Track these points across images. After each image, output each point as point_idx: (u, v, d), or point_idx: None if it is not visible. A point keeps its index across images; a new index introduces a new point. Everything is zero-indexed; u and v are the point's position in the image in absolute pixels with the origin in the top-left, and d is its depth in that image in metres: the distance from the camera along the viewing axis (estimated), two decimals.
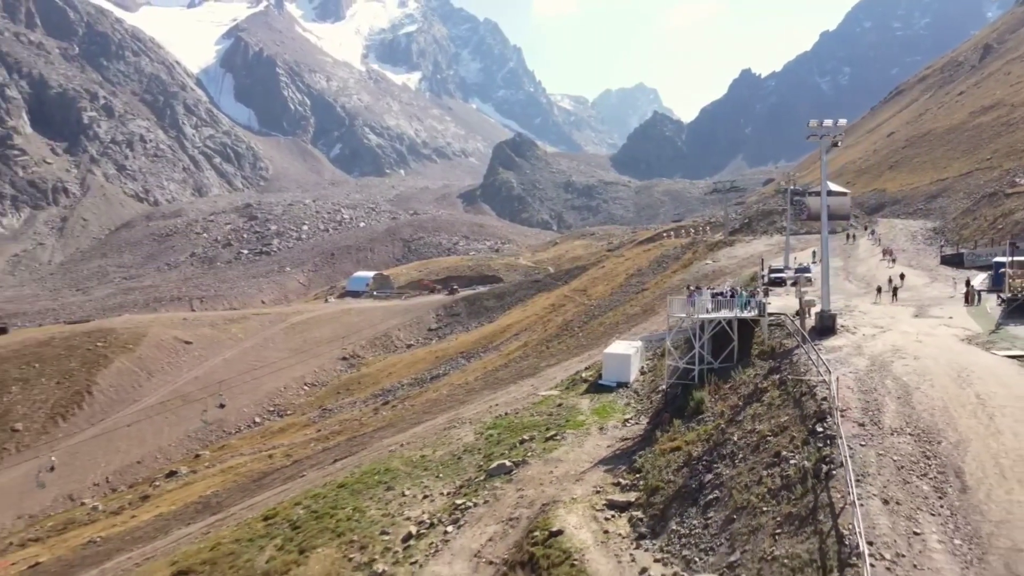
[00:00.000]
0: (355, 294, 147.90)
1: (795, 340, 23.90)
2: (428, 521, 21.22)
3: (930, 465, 15.03)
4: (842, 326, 26.29)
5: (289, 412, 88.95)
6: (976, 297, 30.86)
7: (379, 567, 18.96)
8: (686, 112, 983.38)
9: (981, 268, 40.50)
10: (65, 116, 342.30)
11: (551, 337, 69.40)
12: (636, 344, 35.60)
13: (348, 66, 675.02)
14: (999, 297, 29.34)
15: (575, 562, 15.02)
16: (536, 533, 17.16)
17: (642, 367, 34.00)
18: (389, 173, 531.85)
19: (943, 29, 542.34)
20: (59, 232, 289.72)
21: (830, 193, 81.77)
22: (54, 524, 52.95)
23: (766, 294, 35.83)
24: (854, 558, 12.10)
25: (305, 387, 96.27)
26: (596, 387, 33.64)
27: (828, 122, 28.35)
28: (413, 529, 20.97)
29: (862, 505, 13.53)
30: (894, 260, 48.71)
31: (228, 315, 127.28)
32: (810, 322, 25.99)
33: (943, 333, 24.96)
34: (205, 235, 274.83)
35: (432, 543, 19.65)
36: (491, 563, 17.52)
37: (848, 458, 14.62)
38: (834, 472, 14.60)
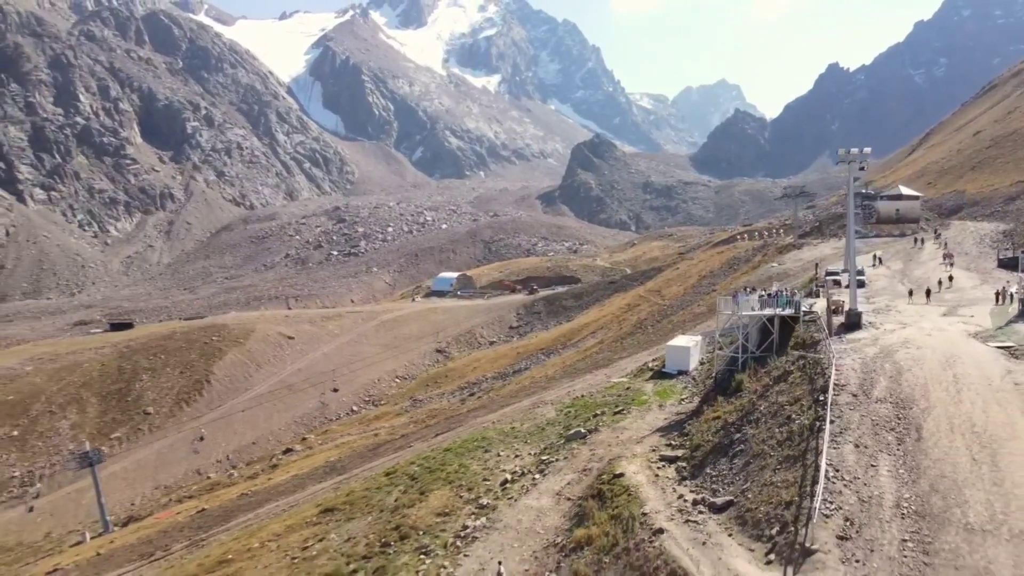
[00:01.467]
0: (440, 294, 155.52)
1: (823, 334, 28.33)
2: (519, 471, 26.79)
3: (899, 423, 19.48)
4: (869, 322, 30.44)
5: (383, 402, 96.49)
6: (1008, 298, 34.05)
7: (484, 501, 24.59)
8: (770, 109, 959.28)
9: None
10: (171, 126, 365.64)
11: (626, 335, 74.09)
12: (696, 338, 40.25)
13: (430, 71, 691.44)
14: None
15: (631, 493, 20.16)
16: (603, 476, 22.41)
17: (701, 359, 38.63)
18: (469, 175, 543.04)
19: None
20: (166, 235, 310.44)
21: (901, 197, 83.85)
22: (202, 486, 61.55)
23: (818, 295, 39.92)
24: (823, 481, 17.02)
25: (397, 379, 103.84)
26: (660, 375, 38.60)
27: (855, 150, 32.47)
28: (508, 476, 26.55)
29: (837, 448, 18.28)
30: (952, 263, 51.11)
31: (324, 313, 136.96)
32: (840, 319, 30.29)
33: (955, 329, 28.75)
34: (297, 237, 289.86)
35: (523, 486, 25.19)
36: (569, 499, 22.85)
37: (829, 417, 19.43)
38: (823, 427, 19.33)
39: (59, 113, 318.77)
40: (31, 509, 70.72)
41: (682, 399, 31.51)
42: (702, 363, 37.56)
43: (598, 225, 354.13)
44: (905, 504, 15.68)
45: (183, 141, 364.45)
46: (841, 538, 15.04)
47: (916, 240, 68.13)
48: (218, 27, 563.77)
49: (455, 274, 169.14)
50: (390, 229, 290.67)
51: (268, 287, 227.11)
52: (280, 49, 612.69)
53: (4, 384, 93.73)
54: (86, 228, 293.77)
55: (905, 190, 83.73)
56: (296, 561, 24.19)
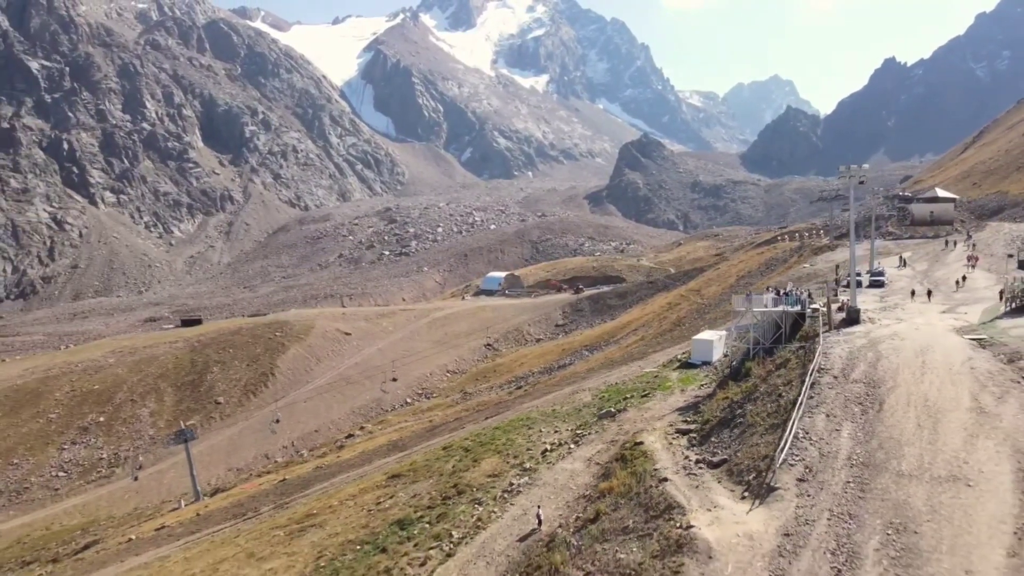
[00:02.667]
0: (489, 292, 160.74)
1: (824, 328, 32.16)
2: (557, 443, 31.25)
3: (867, 399, 23.27)
4: (868, 318, 34.05)
5: (434, 395, 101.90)
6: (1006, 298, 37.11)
7: (527, 465, 29.12)
8: (825, 104, 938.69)
9: None
10: (230, 131, 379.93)
11: (665, 331, 77.91)
12: (721, 333, 44.11)
13: (478, 72, 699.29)
14: None
15: (647, 456, 24.39)
16: (627, 444, 26.68)
17: (724, 351, 42.55)
18: (517, 175, 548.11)
19: None
20: (226, 236, 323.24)
21: (937, 200, 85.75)
22: (277, 464, 67.72)
23: (836, 294, 43.45)
24: (791, 439, 21.08)
25: (448, 374, 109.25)
26: (686, 365, 42.61)
27: (855, 166, 36.14)
28: (548, 447, 31.03)
29: (811, 417, 22.29)
30: (974, 265, 53.59)
31: (378, 310, 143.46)
32: (842, 315, 33.96)
33: (944, 324, 32.13)
34: (351, 238, 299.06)
35: (560, 453, 29.67)
36: (597, 463, 27.16)
37: (808, 393, 23.49)
38: (802, 402, 23.31)
39: (127, 120, 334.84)
40: (136, 478, 79.21)
41: (701, 385, 35.59)
42: (725, 355, 41.50)
43: (645, 225, 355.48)
44: (855, 457, 19.66)
45: (241, 145, 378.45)
46: (800, 480, 19.15)
47: (947, 242, 70.32)
48: (274, 33, 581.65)
49: (503, 273, 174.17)
50: (440, 229, 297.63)
51: (323, 286, 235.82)
52: (333, 53, 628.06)
53: (91, 375, 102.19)
54: (152, 229, 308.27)
55: (941, 192, 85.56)
56: (372, 512, 29.10)
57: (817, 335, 30.24)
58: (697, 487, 20.78)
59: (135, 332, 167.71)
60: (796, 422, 21.61)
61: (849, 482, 18.41)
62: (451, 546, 22.84)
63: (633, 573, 16.53)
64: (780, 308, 34.19)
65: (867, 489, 17.88)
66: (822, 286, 48.17)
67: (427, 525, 25.35)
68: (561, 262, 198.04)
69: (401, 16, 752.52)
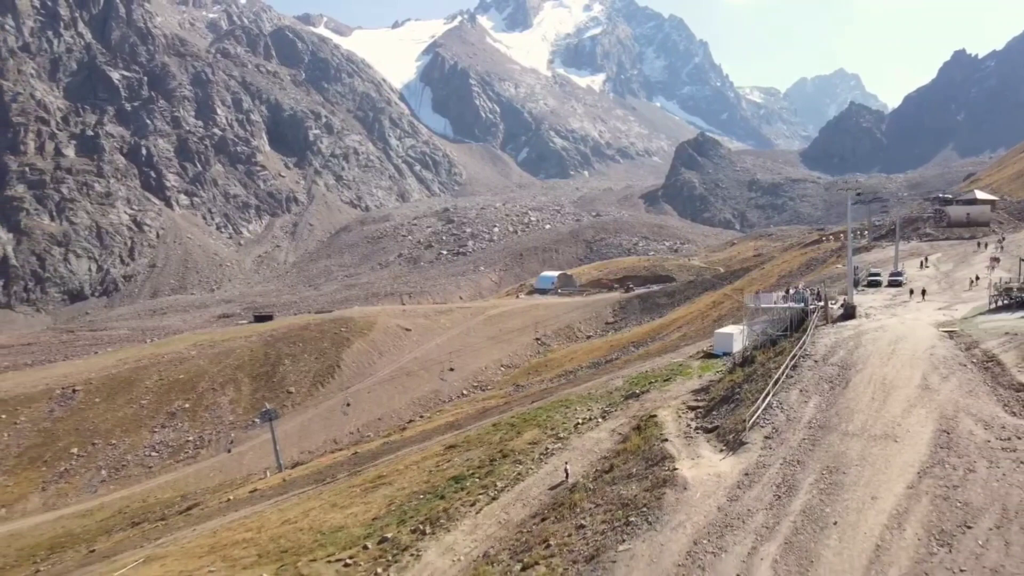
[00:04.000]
0: (542, 291, 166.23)
1: (822, 322, 36.62)
2: (588, 419, 36.48)
3: (837, 378, 27.76)
4: (864, 313, 38.29)
5: (489, 387, 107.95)
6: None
7: (561, 435, 34.48)
8: (893, 99, 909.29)
9: None
10: (295, 135, 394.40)
11: (706, 328, 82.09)
12: (741, 327, 48.62)
13: (535, 72, 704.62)
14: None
15: (658, 425, 29.39)
16: (644, 417, 31.88)
17: (744, 344, 47.05)
18: (573, 175, 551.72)
19: None
20: (291, 236, 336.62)
21: (975, 202, 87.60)
22: (348, 443, 74.83)
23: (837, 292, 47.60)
24: (764, 407, 25.98)
25: (502, 368, 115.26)
26: (709, 356, 47.41)
27: (855, 177, 40.17)
28: (580, 421, 36.28)
29: (787, 392, 27.06)
30: (994, 267, 56.33)
31: (437, 308, 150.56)
32: (840, 310, 38.25)
33: (929, 319, 36.07)
34: (410, 237, 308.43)
35: (589, 426, 34.92)
36: (619, 433, 32.27)
37: (787, 373, 28.29)
38: (781, 379, 28.04)
39: (199, 125, 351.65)
40: (229, 451, 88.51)
41: (717, 371, 40.28)
42: (744, 347, 46.10)
43: (702, 224, 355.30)
44: (814, 422, 24.37)
45: (306, 148, 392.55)
46: (766, 438, 23.99)
47: (979, 244, 72.62)
48: (336, 38, 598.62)
49: (556, 273, 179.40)
50: (496, 229, 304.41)
51: (384, 284, 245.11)
52: (393, 57, 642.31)
53: (176, 365, 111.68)
54: (222, 230, 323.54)
55: (980, 194, 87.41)
56: (432, 472, 34.91)
57: (815, 327, 34.80)
58: (689, 445, 25.84)
59: (210, 327, 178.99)
60: (771, 395, 26.50)
61: (804, 439, 23.21)
62: (496, 493, 28.41)
63: (629, 502, 21.74)
64: (784, 305, 38.72)
65: (817, 444, 22.67)
66: (835, 285, 52.09)
67: (477, 480, 30.97)
68: (614, 261, 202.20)
69: (459, 19, 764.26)
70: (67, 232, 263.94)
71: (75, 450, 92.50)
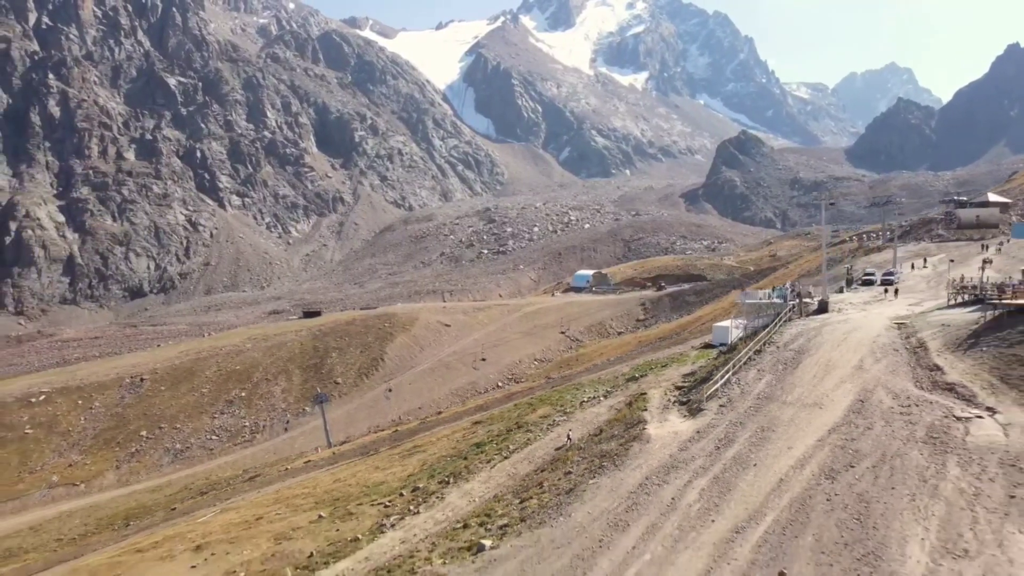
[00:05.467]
0: (577, 289, 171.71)
1: (796, 315, 41.73)
2: (592, 398, 42.22)
3: (791, 361, 32.93)
4: (836, 308, 43.23)
5: (522, 380, 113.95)
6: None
7: (567, 410, 40.34)
8: (948, 93, 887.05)
9: None
10: (341, 136, 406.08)
11: None
12: (739, 321, 53.75)
13: (577, 71, 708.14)
14: None
15: (646, 399, 35.02)
16: (636, 395, 37.64)
17: (740, 336, 52.22)
18: (615, 173, 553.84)
19: None
20: (337, 235, 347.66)
21: (987, 204, 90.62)
22: (389, 425, 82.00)
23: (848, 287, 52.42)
24: (721, 381, 31.49)
25: (535, 362, 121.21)
26: (708, 346, 52.77)
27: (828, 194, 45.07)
28: (584, 399, 42.10)
29: (747, 372, 32.44)
30: (983, 269, 59.92)
31: (475, 305, 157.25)
32: (815, 305, 43.23)
33: (890, 313, 40.84)
34: (452, 237, 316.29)
35: (592, 403, 40.72)
36: (615, 408, 38.00)
37: (749, 356, 33.72)
38: (742, 361, 33.40)
39: (251, 129, 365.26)
40: (286, 429, 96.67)
41: (708, 359, 45.78)
42: (740, 338, 51.37)
43: (742, 223, 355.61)
44: (762, 394, 29.73)
45: (351, 149, 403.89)
46: (721, 406, 29.46)
47: (983, 245, 76.01)
48: (382, 41, 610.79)
49: (591, 271, 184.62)
50: (536, 229, 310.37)
51: (426, 282, 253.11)
52: (436, 58, 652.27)
53: (233, 357, 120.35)
54: (272, 229, 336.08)
55: (993, 197, 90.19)
56: (459, 442, 41.13)
57: (789, 320, 40.00)
58: (662, 413, 31.49)
59: (262, 323, 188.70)
60: (732, 374, 31.97)
61: (750, 407, 28.62)
62: (508, 454, 34.38)
63: (606, 454, 27.44)
64: (767, 301, 43.93)
65: (759, 411, 28.07)
66: (835, 284, 56.85)
67: (494, 445, 36.98)
68: (649, 261, 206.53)
69: (501, 19, 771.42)
70: (128, 232, 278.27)
71: (144, 433, 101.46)
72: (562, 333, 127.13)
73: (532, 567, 20.01)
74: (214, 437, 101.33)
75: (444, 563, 21.91)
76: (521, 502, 26.25)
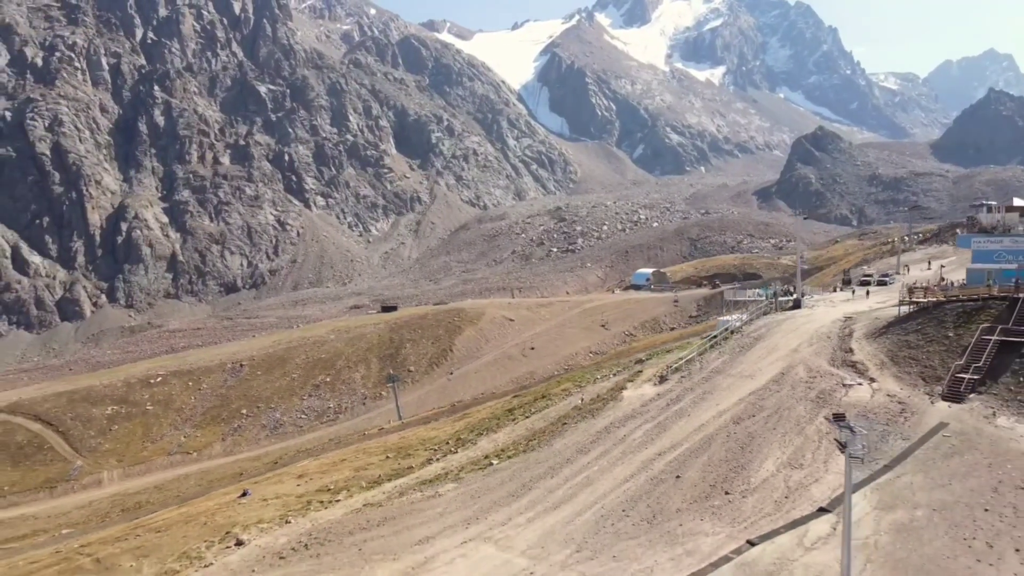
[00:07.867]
0: (636, 287, 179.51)
1: (771, 309, 50.19)
2: (605, 376, 52.04)
3: (746, 345, 41.60)
4: (809, 305, 51.30)
5: (576, 370, 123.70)
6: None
7: (582, 384, 50.39)
8: None
9: None
10: (419, 138, 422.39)
11: None
12: (740, 315, 62.00)
13: (652, 68, 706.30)
14: None
15: (640, 375, 44.75)
16: (636, 372, 47.26)
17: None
18: (689, 171, 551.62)
19: None
20: (414, 234, 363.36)
21: (1010, 208, 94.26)
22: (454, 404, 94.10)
23: (840, 288, 60.19)
24: (686, 359, 40.79)
25: (591, 354, 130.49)
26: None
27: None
28: (598, 377, 52.02)
29: (710, 353, 41.45)
30: (940, 271, 65.71)
31: (539, 301, 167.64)
32: (790, 302, 51.37)
33: (850, 309, 48.66)
34: (523, 235, 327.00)
35: (602, 379, 50.62)
36: (617, 382, 47.77)
37: (716, 343, 42.74)
38: (712, 345, 42.42)
39: (334, 132, 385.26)
40: (365, 410, 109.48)
41: (704, 346, 54.77)
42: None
43: (814, 221, 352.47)
44: (715, 369, 38.81)
45: (428, 150, 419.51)
46: (681, 377, 38.77)
47: None
48: (459, 43, 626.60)
49: (650, 270, 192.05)
50: (605, 227, 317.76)
51: (497, 279, 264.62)
52: (511, 58, 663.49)
53: (318, 347, 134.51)
54: (354, 228, 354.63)
55: (1018, 202, 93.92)
56: (497, 410, 51.69)
57: (767, 313, 48.67)
58: (642, 383, 41.13)
59: (345, 316, 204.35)
60: (697, 355, 41.17)
61: (703, 378, 37.79)
62: (529, 415, 44.59)
63: (591, 409, 37.23)
64: (751, 299, 52.43)
65: (708, 380, 37.22)
66: (828, 282, 64.52)
67: (522, 411, 47.30)
68: (710, 259, 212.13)
69: (576, 17, 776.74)
70: (223, 232, 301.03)
71: (244, 411, 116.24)
72: (627, 333, 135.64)
73: (520, 472, 30.29)
74: (303, 416, 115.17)
75: (465, 473, 32.45)
76: (527, 442, 36.49)
